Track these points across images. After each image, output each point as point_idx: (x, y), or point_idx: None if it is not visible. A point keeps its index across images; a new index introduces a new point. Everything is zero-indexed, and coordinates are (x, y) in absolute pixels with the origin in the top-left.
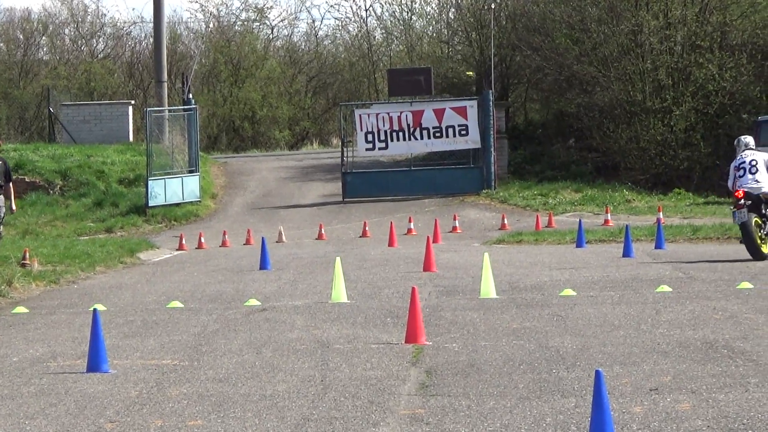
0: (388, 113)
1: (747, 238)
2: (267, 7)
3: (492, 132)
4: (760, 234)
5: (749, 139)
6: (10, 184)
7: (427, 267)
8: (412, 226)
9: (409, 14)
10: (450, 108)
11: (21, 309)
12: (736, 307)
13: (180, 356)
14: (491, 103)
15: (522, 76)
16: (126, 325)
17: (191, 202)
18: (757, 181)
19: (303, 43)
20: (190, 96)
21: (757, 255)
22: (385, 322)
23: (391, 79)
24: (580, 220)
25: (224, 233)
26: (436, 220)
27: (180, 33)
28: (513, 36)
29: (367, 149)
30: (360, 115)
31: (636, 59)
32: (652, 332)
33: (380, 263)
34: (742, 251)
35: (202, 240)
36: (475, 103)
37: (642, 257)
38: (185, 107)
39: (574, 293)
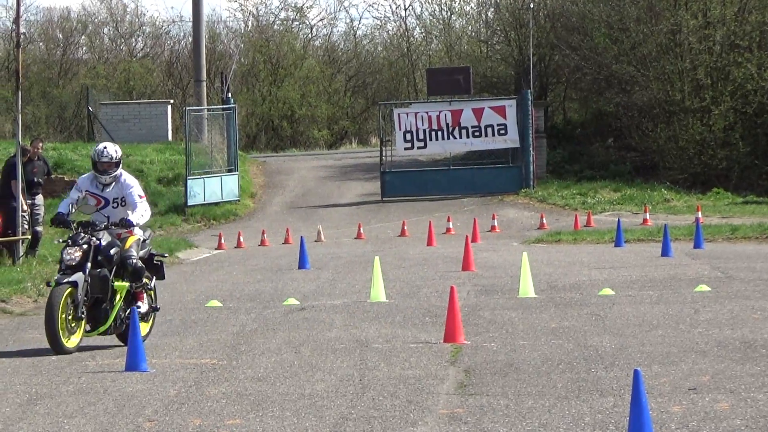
0: (427, 112)
1: None
2: (306, 7)
3: (531, 131)
4: None
5: None
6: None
7: (465, 266)
8: (450, 226)
9: (449, 13)
10: (489, 107)
11: None
12: None
13: (218, 355)
14: (530, 102)
15: (561, 75)
16: (165, 324)
17: (230, 201)
18: None
19: (342, 43)
20: (229, 95)
21: None
22: (424, 322)
23: (430, 78)
24: (618, 220)
25: (263, 232)
26: (474, 219)
27: (219, 32)
28: (552, 35)
29: (405, 148)
30: (399, 115)
31: (675, 59)
32: (690, 332)
33: (419, 262)
34: None
35: (241, 239)
36: (514, 102)
37: (681, 257)
38: (224, 106)
39: (613, 292)
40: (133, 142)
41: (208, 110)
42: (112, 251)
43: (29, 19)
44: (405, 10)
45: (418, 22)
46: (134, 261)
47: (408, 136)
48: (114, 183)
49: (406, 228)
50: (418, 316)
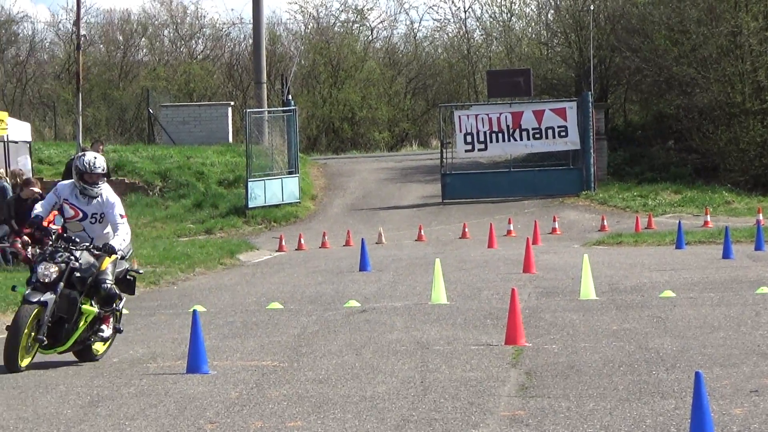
0: (488, 114)
1: None
2: (366, 9)
3: (591, 133)
4: None
5: None
6: None
7: (526, 268)
8: (511, 228)
9: (509, 15)
10: (549, 109)
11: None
12: None
13: (280, 357)
14: (590, 104)
15: (621, 77)
16: (226, 326)
17: (291, 203)
18: None
19: (402, 45)
20: (290, 97)
21: None
22: (485, 324)
23: (491, 80)
24: (679, 222)
25: (324, 234)
26: (535, 221)
27: (279, 34)
28: (612, 37)
29: (466, 150)
30: (459, 117)
31: (735, 61)
32: (752, 334)
33: (480, 264)
34: None
35: (302, 241)
36: (574, 104)
37: (742, 259)
38: (285, 108)
39: (674, 295)
40: (193, 144)
41: (269, 112)
42: (86, 274)
43: (89, 22)
44: (465, 12)
45: (478, 24)
46: (108, 285)
47: (468, 138)
48: (97, 197)
49: (466, 230)
50: (479, 318)
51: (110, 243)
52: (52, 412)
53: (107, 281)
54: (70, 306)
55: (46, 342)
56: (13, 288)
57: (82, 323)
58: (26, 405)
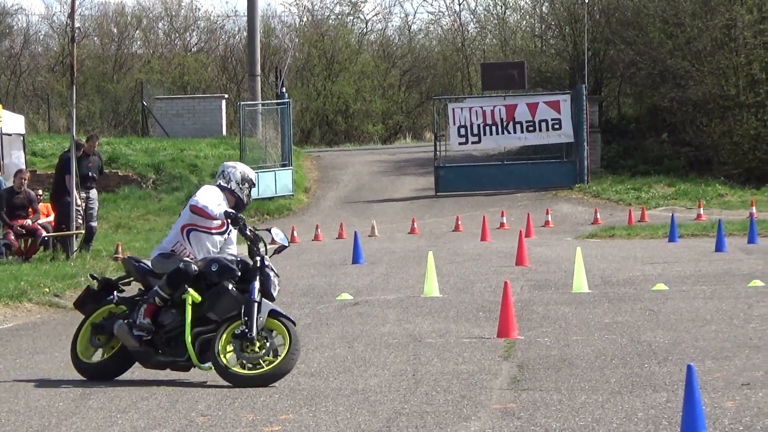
0: (482, 107)
1: None
2: (361, 1)
3: (585, 126)
4: None
5: None
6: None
7: (519, 261)
8: (504, 221)
9: (503, 8)
10: (543, 102)
11: None
12: None
13: None
14: (584, 97)
15: (615, 70)
16: None
17: (284, 195)
18: None
19: (396, 37)
20: (284, 90)
21: None
22: (477, 317)
23: (485, 73)
24: (672, 215)
25: (317, 227)
26: (528, 214)
27: (274, 27)
28: (606, 30)
29: (460, 143)
30: (453, 109)
31: (730, 53)
32: (744, 327)
33: (472, 257)
34: None
35: (295, 234)
36: (568, 97)
37: (735, 252)
38: (279, 101)
39: (667, 288)
40: (187, 136)
41: (263, 105)
42: None
43: (84, 14)
44: (459, 5)
45: (472, 16)
46: None
47: (462, 131)
48: None
49: (460, 223)
50: (471, 311)
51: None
52: (44, 405)
53: None
54: None
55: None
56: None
57: None
58: (18, 398)
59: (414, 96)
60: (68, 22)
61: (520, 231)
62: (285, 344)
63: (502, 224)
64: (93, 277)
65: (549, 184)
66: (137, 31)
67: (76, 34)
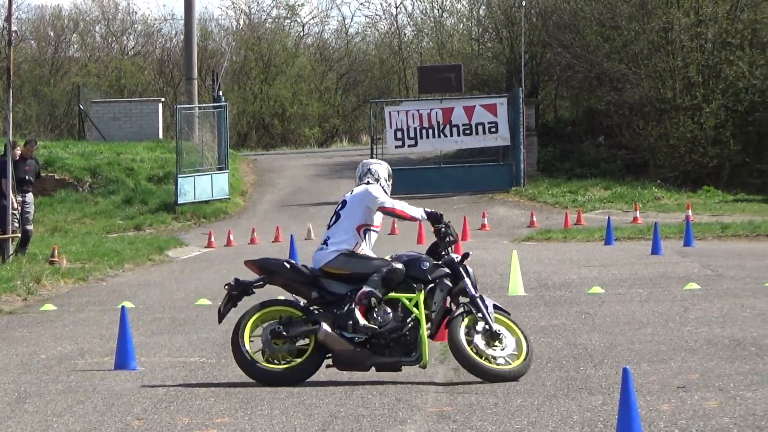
0: (418, 110)
1: None
2: (298, 5)
3: (522, 129)
4: None
5: None
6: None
7: None
8: None
9: (440, 11)
10: (480, 105)
11: (49, 306)
12: (764, 305)
13: (208, 354)
14: (521, 100)
15: (552, 73)
16: (154, 322)
17: (220, 199)
18: None
19: (333, 41)
20: (221, 93)
21: None
22: None
23: (422, 76)
24: (609, 218)
25: (253, 230)
26: (465, 217)
27: (211, 30)
28: (543, 33)
29: (396, 146)
30: (390, 113)
31: (666, 56)
32: (680, 330)
33: None
34: None
35: (231, 237)
36: (505, 100)
37: (671, 255)
38: (215, 104)
39: (603, 291)
40: (123, 140)
41: (199, 108)
42: None
43: (21, 17)
44: (396, 8)
45: (409, 20)
46: None
47: (399, 134)
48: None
49: (395, 226)
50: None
51: None
52: None
53: None
54: None
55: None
56: None
57: None
58: None
59: (351, 99)
60: (5, 25)
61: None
62: (520, 341)
63: None
64: (235, 281)
65: (485, 187)
66: (74, 35)
67: (12, 38)
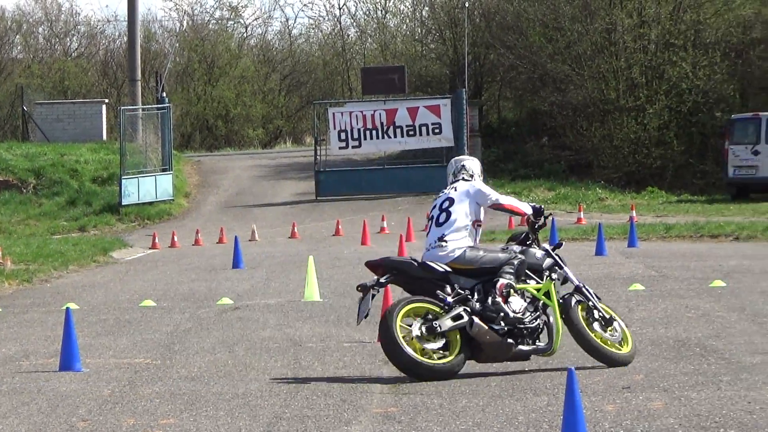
0: (362, 112)
1: None
2: (241, 6)
3: (465, 130)
4: None
5: None
6: None
7: None
8: (385, 225)
9: (383, 12)
10: (424, 106)
11: None
12: (708, 306)
13: (152, 355)
14: (465, 101)
15: (495, 74)
16: (99, 323)
17: (164, 200)
18: None
19: (277, 42)
20: (164, 94)
21: None
22: None
23: (365, 77)
24: (552, 219)
25: (197, 232)
26: (409, 218)
27: (154, 31)
28: (487, 34)
29: (340, 147)
30: (333, 114)
31: (610, 57)
32: None
33: (353, 262)
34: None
35: (175, 239)
36: (448, 101)
37: (615, 255)
38: (159, 106)
39: None
40: (67, 141)
41: (143, 110)
42: None
43: None
44: (339, 9)
45: (352, 21)
46: None
47: (342, 135)
48: None
49: (340, 227)
50: (351, 316)
51: None
52: None
53: None
54: None
55: None
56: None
57: None
58: None
59: (294, 100)
60: None
61: (401, 235)
62: (622, 327)
63: (382, 228)
64: (364, 286)
65: (430, 188)
66: (17, 36)
67: None
